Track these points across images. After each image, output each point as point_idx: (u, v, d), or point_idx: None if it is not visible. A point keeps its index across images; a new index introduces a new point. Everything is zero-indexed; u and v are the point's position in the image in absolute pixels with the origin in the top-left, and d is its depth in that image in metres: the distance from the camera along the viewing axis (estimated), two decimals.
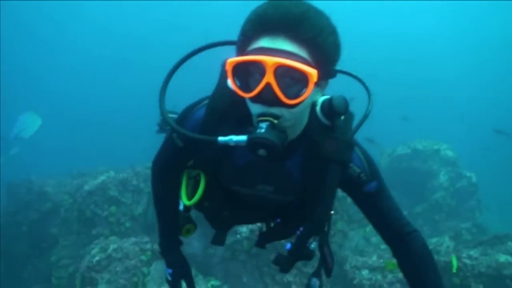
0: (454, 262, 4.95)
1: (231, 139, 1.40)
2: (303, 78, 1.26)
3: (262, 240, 1.99)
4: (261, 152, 1.30)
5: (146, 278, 5.55)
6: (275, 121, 1.30)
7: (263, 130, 1.27)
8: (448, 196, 8.95)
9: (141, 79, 25.73)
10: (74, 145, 19.88)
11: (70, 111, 21.97)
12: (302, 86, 1.28)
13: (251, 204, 1.80)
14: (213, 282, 5.82)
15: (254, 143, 1.29)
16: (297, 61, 1.23)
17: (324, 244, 1.86)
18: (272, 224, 1.96)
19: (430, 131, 12.96)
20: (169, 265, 2.01)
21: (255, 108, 1.34)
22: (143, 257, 5.65)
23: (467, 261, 5.09)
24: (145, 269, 5.59)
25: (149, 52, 28.60)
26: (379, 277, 5.55)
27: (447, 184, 9.12)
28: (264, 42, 1.27)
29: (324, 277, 1.91)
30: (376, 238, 6.92)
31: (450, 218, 8.78)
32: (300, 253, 1.64)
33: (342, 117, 1.52)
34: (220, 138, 1.42)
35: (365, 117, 1.60)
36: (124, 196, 6.96)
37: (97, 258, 5.58)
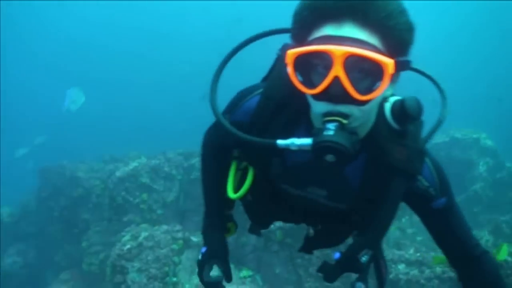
0: (504, 252, 4.63)
1: (293, 143, 1.22)
2: (377, 70, 1.06)
3: (308, 246, 1.83)
4: (329, 157, 1.11)
5: (177, 268, 5.47)
6: (345, 121, 1.11)
7: (331, 132, 1.08)
8: (487, 187, 8.63)
9: (175, 65, 25.68)
10: (107, 128, 20.05)
11: (105, 94, 22.02)
12: (375, 79, 1.09)
13: (298, 206, 1.62)
14: (245, 272, 5.73)
15: (321, 148, 1.10)
16: (369, 50, 1.04)
17: (378, 256, 1.69)
18: (318, 229, 1.78)
19: (467, 117, 12.56)
20: (205, 243, 1.81)
21: (320, 107, 1.15)
22: (175, 246, 5.57)
23: (509, 258, 4.85)
24: (176, 259, 5.50)
25: (183, 39, 28.43)
26: (416, 272, 5.34)
27: (486, 174, 8.79)
28: (329, 30, 1.08)
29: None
30: (411, 229, 6.72)
31: (489, 210, 8.46)
32: (349, 265, 1.46)
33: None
34: (280, 142, 1.25)
35: (439, 123, 1.39)
36: (156, 183, 6.91)
37: (128, 246, 5.52)
